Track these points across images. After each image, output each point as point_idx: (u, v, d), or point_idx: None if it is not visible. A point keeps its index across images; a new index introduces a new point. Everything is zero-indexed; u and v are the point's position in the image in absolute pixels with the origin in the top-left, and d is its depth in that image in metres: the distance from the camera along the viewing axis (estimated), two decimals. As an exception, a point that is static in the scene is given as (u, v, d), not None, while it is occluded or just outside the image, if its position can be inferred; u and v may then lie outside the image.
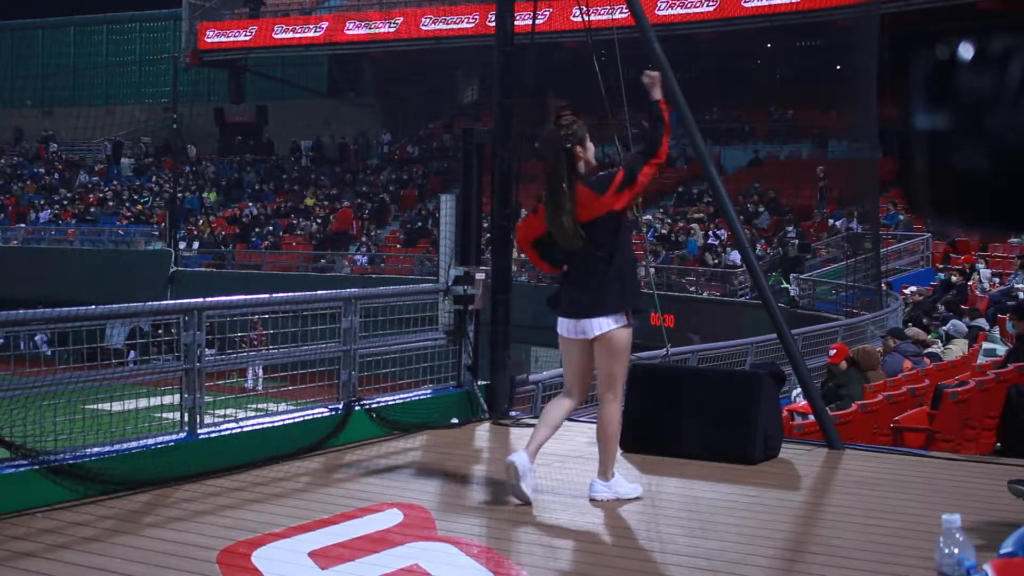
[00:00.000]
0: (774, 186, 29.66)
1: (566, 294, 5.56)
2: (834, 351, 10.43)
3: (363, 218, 34.32)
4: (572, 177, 5.42)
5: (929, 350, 12.94)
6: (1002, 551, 2.02)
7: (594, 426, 5.70)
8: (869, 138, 20.64)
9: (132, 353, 6.94)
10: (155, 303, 6.44)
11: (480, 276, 7.60)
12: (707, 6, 31.12)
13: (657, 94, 5.58)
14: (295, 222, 34.76)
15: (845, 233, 25.42)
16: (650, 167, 5.48)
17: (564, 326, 5.56)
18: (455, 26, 34.87)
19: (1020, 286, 17.54)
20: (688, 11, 31.19)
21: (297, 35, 37.68)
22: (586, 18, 7.65)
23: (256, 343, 7.41)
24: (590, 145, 5.54)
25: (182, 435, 6.03)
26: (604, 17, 8.54)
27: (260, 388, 8.55)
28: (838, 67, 26.91)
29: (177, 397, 6.15)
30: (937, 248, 23.61)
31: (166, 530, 4.91)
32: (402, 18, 36.00)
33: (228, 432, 6.24)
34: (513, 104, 7.80)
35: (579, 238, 5.40)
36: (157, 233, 33.93)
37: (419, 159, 38.15)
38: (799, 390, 9.63)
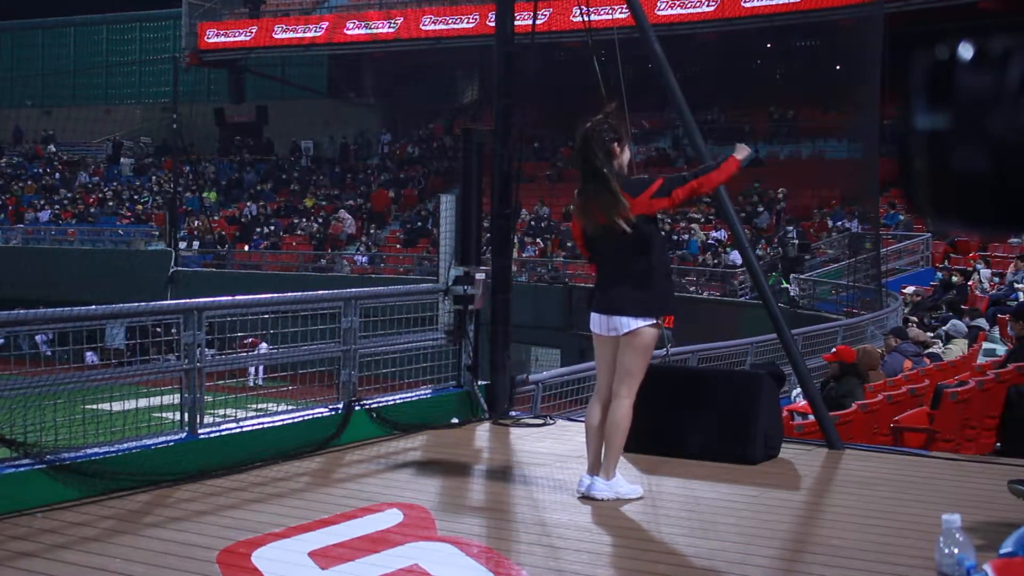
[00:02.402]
0: (774, 186, 29.67)
1: (600, 291, 5.58)
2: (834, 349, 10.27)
3: (363, 218, 34.36)
4: (610, 166, 5.43)
5: (929, 350, 12.94)
6: (1002, 551, 2.02)
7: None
8: (870, 138, 20.64)
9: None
10: (155, 303, 6.44)
11: (480, 276, 7.60)
12: (707, 6, 31.11)
13: (739, 154, 5.61)
14: (295, 222, 34.77)
15: (843, 233, 25.42)
16: (687, 188, 5.53)
17: (596, 322, 5.58)
18: (455, 26, 34.86)
19: (1020, 286, 17.54)
20: (688, 11, 31.17)
21: (297, 35, 37.65)
22: (586, 18, 7.64)
23: (251, 343, 7.41)
24: (628, 150, 5.56)
25: (182, 435, 6.03)
26: (604, 17, 8.55)
27: (261, 380, 8.54)
28: (838, 67, 26.91)
29: (177, 397, 6.15)
30: (937, 248, 23.60)
31: (166, 530, 4.91)
32: (402, 18, 35.98)
33: (228, 432, 6.24)
34: (513, 104, 7.80)
35: (620, 226, 5.39)
36: (157, 233, 33.93)
37: (419, 159, 38.16)
38: (799, 390, 9.63)
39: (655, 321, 5.50)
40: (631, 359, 5.49)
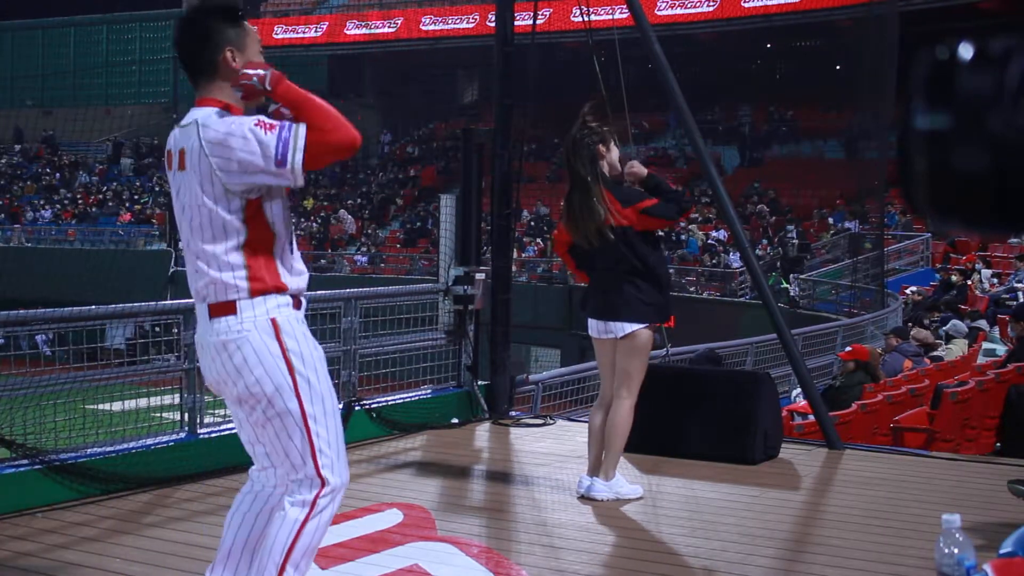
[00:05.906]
0: (774, 186, 29.67)
1: (594, 295, 5.57)
2: (849, 348, 10.72)
3: (363, 218, 34.35)
4: (595, 173, 5.42)
5: (932, 353, 12.94)
6: (1002, 551, 2.02)
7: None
8: (876, 138, 20.64)
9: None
10: (155, 303, 6.43)
11: (480, 276, 7.60)
12: (707, 6, 31.13)
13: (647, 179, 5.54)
14: (295, 222, 34.73)
15: (843, 234, 25.40)
16: (675, 221, 5.75)
17: (593, 327, 5.60)
18: (455, 26, 34.88)
19: (1019, 285, 17.53)
20: (688, 11, 31.20)
21: (297, 35, 37.67)
22: (586, 18, 7.64)
23: None
24: (614, 148, 5.55)
25: (182, 435, 6.03)
26: (604, 17, 8.54)
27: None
28: (838, 67, 26.91)
29: (177, 397, 6.15)
30: (937, 248, 23.60)
31: (166, 530, 4.91)
32: (402, 18, 36.00)
33: (228, 432, 6.22)
34: (513, 104, 7.79)
35: (604, 235, 5.39)
36: (157, 233, 33.91)
37: (419, 159, 38.17)
38: (799, 390, 9.63)
39: (648, 323, 5.50)
40: (629, 362, 5.50)
